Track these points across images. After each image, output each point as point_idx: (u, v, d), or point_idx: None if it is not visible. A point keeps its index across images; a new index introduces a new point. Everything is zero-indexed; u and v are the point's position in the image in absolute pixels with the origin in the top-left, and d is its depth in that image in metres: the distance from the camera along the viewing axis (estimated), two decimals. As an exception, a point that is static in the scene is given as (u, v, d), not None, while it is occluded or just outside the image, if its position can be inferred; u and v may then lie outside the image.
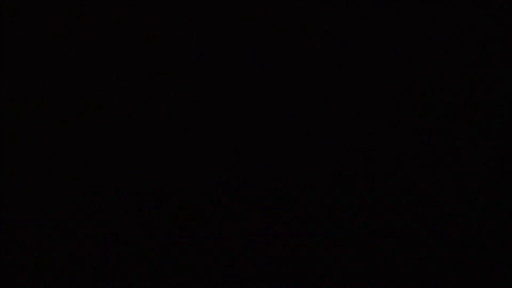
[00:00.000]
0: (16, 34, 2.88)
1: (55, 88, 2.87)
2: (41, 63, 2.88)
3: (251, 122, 2.88)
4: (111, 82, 2.88)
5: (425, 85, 2.89)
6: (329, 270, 2.79)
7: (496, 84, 2.87)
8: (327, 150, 2.86)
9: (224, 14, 2.92)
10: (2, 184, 2.80)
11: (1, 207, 2.79)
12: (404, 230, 2.81)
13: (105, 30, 2.89)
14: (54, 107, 2.86)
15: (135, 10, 2.90)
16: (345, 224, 2.82)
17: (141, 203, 2.82)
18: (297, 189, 2.84)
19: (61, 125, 2.85)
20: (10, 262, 2.76)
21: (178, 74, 2.90)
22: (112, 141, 2.85)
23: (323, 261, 2.79)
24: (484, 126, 2.85)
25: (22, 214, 2.79)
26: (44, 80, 2.87)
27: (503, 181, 2.82)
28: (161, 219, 2.82)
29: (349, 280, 2.78)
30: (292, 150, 2.87)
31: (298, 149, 2.87)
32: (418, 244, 2.80)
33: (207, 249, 2.80)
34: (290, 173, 2.85)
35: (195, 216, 2.83)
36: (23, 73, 2.87)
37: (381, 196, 2.83)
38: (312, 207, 2.83)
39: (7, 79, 2.86)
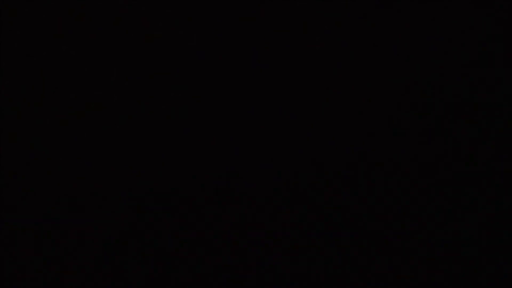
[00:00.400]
0: (16, 34, 2.88)
1: (55, 88, 2.87)
2: (41, 63, 2.88)
3: (251, 122, 2.88)
4: (111, 82, 2.88)
5: (425, 85, 2.89)
6: (328, 270, 2.79)
7: (496, 84, 2.87)
8: (326, 150, 2.86)
9: (224, 14, 2.92)
10: (2, 184, 2.80)
11: (1, 207, 2.79)
12: (404, 230, 2.81)
13: (105, 30, 2.89)
14: (54, 107, 2.86)
15: (135, 10, 2.91)
16: (344, 224, 2.82)
17: (141, 203, 2.82)
18: (297, 189, 2.84)
19: (61, 125, 2.85)
20: (10, 262, 2.76)
21: (178, 74, 2.90)
22: (112, 141, 2.85)
23: (323, 261, 2.79)
24: (484, 126, 2.85)
25: (22, 214, 2.79)
26: (44, 80, 2.87)
27: (503, 181, 2.82)
28: (160, 220, 2.82)
29: (348, 280, 2.78)
30: (292, 150, 2.87)
31: (297, 150, 2.87)
32: (417, 245, 2.80)
33: (206, 249, 2.80)
34: (290, 173, 2.85)
35: (195, 216, 2.83)
36: (23, 73, 2.87)
37: (381, 196, 2.83)
38: (311, 207, 2.83)
39: (7, 79, 2.86)
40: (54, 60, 2.88)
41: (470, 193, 2.82)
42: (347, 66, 2.90)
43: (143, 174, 2.84)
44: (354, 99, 2.89)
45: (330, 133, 2.87)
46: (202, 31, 2.91)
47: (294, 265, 2.79)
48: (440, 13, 2.91)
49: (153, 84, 2.88)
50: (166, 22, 2.90)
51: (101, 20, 2.89)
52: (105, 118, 2.86)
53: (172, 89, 2.89)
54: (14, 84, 2.86)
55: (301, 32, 2.91)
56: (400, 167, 2.84)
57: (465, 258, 2.78)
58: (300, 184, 2.84)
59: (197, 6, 2.91)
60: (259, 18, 2.91)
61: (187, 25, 2.91)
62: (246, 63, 2.90)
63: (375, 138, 2.86)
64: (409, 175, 2.84)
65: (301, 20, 2.91)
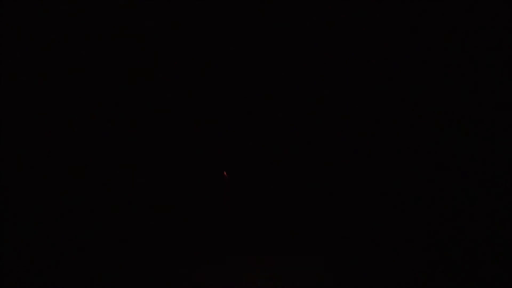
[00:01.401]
0: (16, 34, 2.88)
1: (54, 88, 2.88)
2: (41, 63, 2.88)
3: (251, 122, 2.89)
4: (110, 82, 2.88)
5: (425, 85, 2.89)
6: (326, 271, 2.79)
7: (496, 84, 2.88)
8: (326, 150, 2.87)
9: (224, 14, 2.92)
10: (2, 184, 2.80)
11: (1, 207, 2.79)
12: (404, 231, 2.81)
13: (105, 30, 2.90)
14: (54, 107, 2.87)
15: (135, 10, 2.91)
16: (344, 225, 2.83)
17: (140, 203, 2.83)
18: (296, 188, 2.84)
19: (61, 125, 2.85)
20: (10, 262, 2.76)
21: (178, 74, 2.90)
22: (112, 141, 2.86)
23: (323, 262, 2.79)
24: (484, 126, 2.85)
25: (22, 214, 2.80)
26: (44, 80, 2.88)
27: (503, 181, 2.82)
28: (160, 220, 2.82)
29: (348, 280, 2.79)
30: (292, 150, 2.87)
31: (297, 149, 2.87)
32: (417, 245, 2.80)
33: (206, 249, 2.80)
34: (289, 173, 2.86)
35: (194, 217, 2.83)
36: (23, 73, 2.88)
37: (380, 195, 2.83)
38: (311, 207, 2.84)
39: (7, 79, 2.87)
40: (54, 60, 2.88)
41: (470, 193, 2.83)
42: (347, 66, 2.91)
43: (143, 174, 2.84)
44: (354, 99, 2.89)
45: (329, 133, 2.88)
46: (202, 31, 2.91)
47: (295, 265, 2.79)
48: (440, 13, 2.91)
49: (153, 84, 2.89)
50: (165, 22, 2.91)
51: (101, 20, 2.89)
52: (105, 118, 2.86)
53: (172, 89, 2.89)
54: (14, 84, 2.87)
55: (301, 32, 2.91)
56: (400, 167, 2.85)
57: (465, 258, 2.78)
58: (299, 183, 2.84)
59: (197, 6, 2.91)
60: (259, 18, 2.91)
61: (187, 25, 2.91)
62: (246, 63, 2.90)
63: (375, 138, 2.87)
64: (409, 175, 2.84)
65: (301, 20, 2.92)
